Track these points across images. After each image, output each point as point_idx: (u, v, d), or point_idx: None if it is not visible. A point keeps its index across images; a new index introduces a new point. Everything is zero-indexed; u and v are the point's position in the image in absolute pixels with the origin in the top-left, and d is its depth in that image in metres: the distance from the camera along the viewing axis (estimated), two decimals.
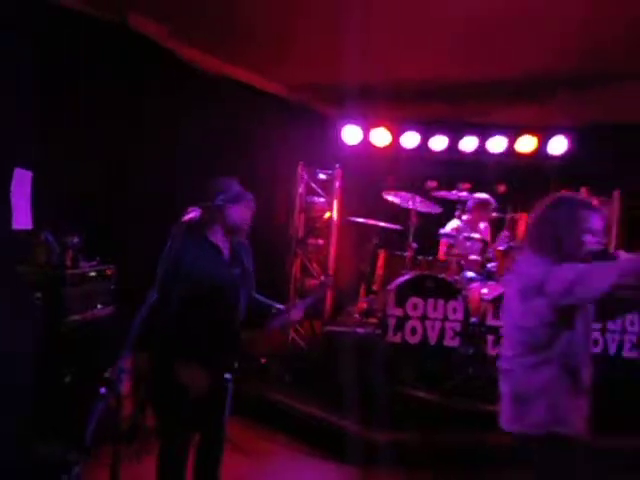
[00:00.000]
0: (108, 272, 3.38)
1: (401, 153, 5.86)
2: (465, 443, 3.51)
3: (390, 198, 4.89)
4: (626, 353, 4.27)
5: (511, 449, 3.24)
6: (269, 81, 5.16)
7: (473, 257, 4.65)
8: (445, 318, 4.14)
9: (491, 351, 4.15)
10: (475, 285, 4.54)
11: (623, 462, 3.39)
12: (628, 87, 4.56)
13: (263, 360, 4.65)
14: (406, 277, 4.28)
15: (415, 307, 4.13)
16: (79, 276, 3.13)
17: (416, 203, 4.74)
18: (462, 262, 4.64)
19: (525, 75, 4.51)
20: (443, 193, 4.86)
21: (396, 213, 5.11)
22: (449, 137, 5.78)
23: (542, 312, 1.84)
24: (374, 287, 5.09)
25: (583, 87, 4.63)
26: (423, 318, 4.12)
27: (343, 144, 5.85)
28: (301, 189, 5.83)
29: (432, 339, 4.11)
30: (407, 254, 4.71)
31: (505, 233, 4.69)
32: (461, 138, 5.76)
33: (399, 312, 4.14)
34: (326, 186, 5.90)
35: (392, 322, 4.13)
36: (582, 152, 5.60)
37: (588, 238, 1.90)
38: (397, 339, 4.13)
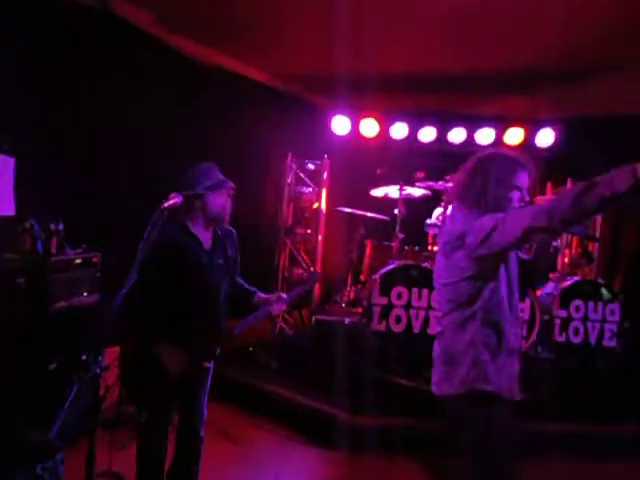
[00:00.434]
0: (94, 260, 3.39)
1: (390, 144, 5.87)
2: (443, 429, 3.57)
3: (376, 193, 4.94)
4: (606, 342, 4.36)
5: None
6: (258, 70, 5.15)
7: None
8: (429, 307, 4.19)
9: None
10: None
11: (604, 449, 3.48)
12: (615, 79, 4.60)
13: (250, 348, 4.69)
14: (391, 266, 4.32)
15: (399, 296, 4.17)
16: (64, 263, 3.13)
17: (403, 193, 4.77)
18: None
19: (513, 67, 4.53)
20: (430, 183, 4.89)
21: (384, 204, 5.14)
22: (438, 128, 5.81)
23: (463, 265, 1.85)
24: (361, 277, 5.14)
25: (570, 79, 4.66)
26: (407, 307, 4.17)
27: (332, 135, 5.86)
28: (290, 179, 5.85)
29: (416, 327, 4.16)
30: (394, 244, 4.75)
31: None
32: (450, 130, 5.79)
33: (384, 301, 4.19)
34: (315, 176, 5.92)
35: (377, 311, 4.18)
36: (569, 144, 5.65)
37: (515, 194, 1.91)
38: (382, 327, 4.18)
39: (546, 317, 4.32)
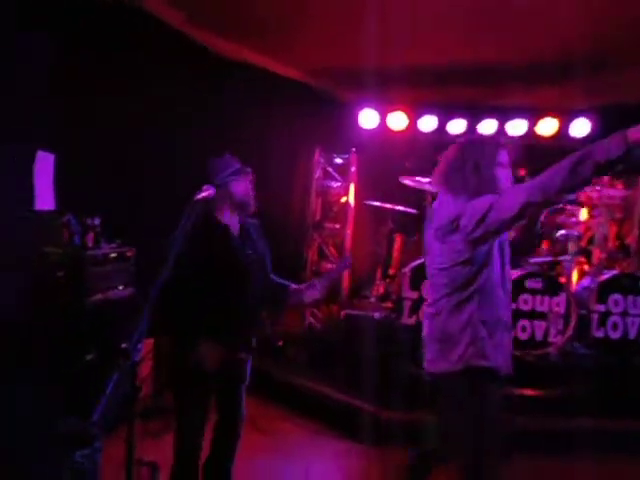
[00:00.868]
0: (128, 254, 3.46)
1: (418, 137, 5.80)
2: None
3: (407, 182, 4.87)
4: None
5: (532, 433, 3.29)
6: (285, 66, 5.16)
7: None
8: None
9: None
10: None
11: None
12: None
13: (280, 342, 4.73)
14: (421, 260, 4.27)
15: None
16: (100, 257, 3.22)
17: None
18: None
19: (545, 56, 4.41)
20: None
21: (412, 197, 5.09)
22: (467, 120, 5.69)
23: (459, 248, 1.91)
24: (390, 271, 5.10)
25: (605, 67, 4.52)
26: None
27: (360, 128, 5.82)
28: (317, 173, 5.84)
29: None
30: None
31: None
32: (480, 121, 5.67)
33: (414, 295, 4.15)
34: (342, 170, 5.91)
35: (407, 305, 4.16)
36: (605, 134, 5.44)
37: (499, 172, 2.01)
38: (412, 321, 4.15)
39: (583, 312, 4.21)
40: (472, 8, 3.64)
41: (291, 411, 3.90)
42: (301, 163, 5.79)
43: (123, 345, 1.40)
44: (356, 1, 3.52)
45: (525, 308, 4.15)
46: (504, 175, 2.02)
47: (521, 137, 5.64)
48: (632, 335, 4.22)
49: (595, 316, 4.22)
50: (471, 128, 5.70)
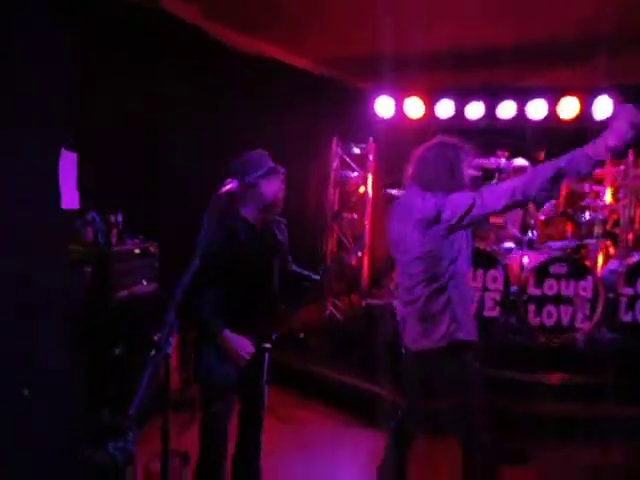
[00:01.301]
0: (151, 249, 3.50)
1: (436, 123, 5.72)
2: (503, 412, 3.50)
3: None
4: None
5: (558, 420, 3.30)
6: (300, 57, 5.13)
7: (512, 226, 4.56)
8: (485, 288, 4.09)
9: (532, 321, 4.10)
10: (515, 254, 4.46)
11: None
12: None
13: (301, 334, 4.75)
14: None
15: None
16: (125, 253, 3.25)
17: None
18: (501, 231, 4.56)
19: (564, 36, 4.30)
20: (481, 161, 4.74)
21: None
22: (486, 103, 5.59)
23: (437, 239, 2.14)
24: None
25: (627, 45, 4.38)
26: None
27: (376, 117, 5.77)
28: (335, 164, 5.82)
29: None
30: None
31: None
32: (498, 104, 5.56)
33: None
34: (360, 160, 5.87)
35: None
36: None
37: (469, 170, 2.31)
38: None
39: (610, 295, 4.13)
40: None
41: (313, 400, 3.92)
42: (319, 154, 5.77)
43: (155, 337, 1.41)
44: None
45: (550, 293, 4.09)
46: (472, 174, 2.33)
47: (542, 120, 5.52)
48: None
49: (623, 299, 4.13)
50: (489, 111, 5.60)
